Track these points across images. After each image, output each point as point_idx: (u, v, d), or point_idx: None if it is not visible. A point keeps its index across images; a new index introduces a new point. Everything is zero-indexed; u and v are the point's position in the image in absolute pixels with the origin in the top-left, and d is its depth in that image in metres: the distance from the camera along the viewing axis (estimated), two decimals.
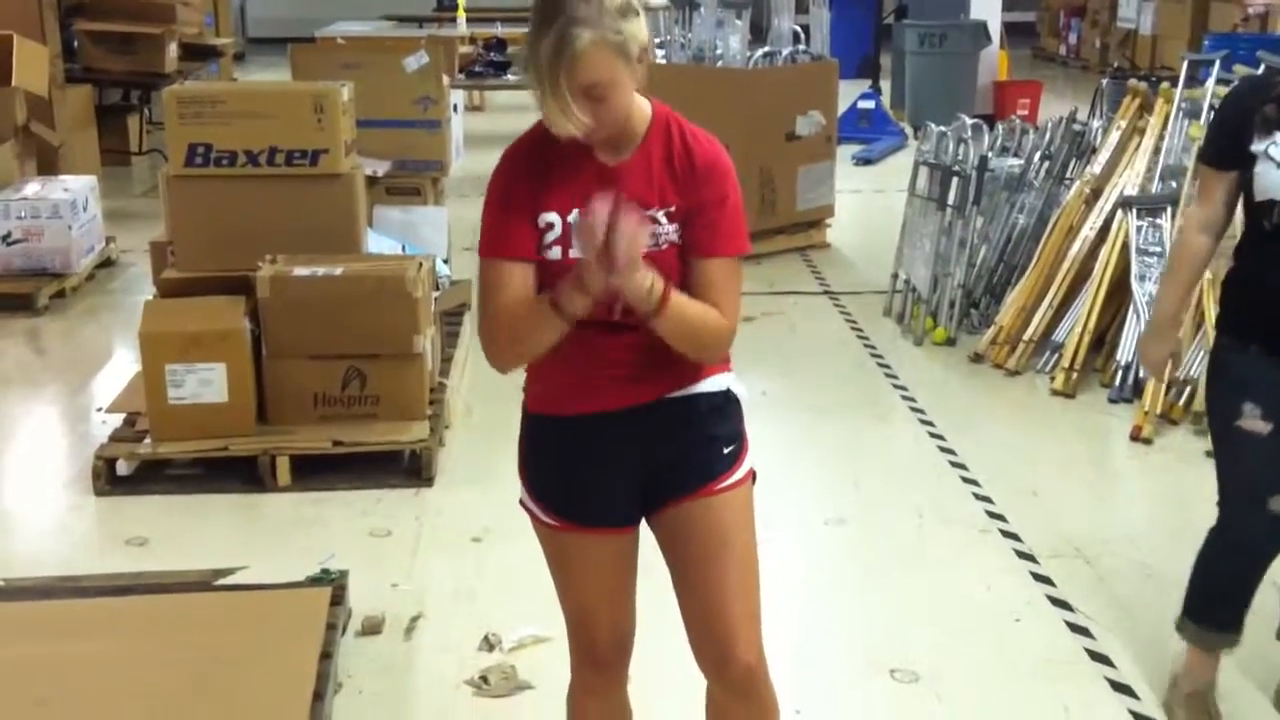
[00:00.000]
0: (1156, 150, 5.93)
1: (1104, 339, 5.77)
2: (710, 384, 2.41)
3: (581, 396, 2.35)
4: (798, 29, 8.55)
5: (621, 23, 2.15)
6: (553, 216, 2.30)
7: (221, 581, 3.86)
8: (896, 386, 5.73)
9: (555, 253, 2.30)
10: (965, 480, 4.73)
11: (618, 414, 2.36)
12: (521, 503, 2.51)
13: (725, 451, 2.42)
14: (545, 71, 2.14)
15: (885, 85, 12.82)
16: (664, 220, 2.29)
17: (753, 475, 2.49)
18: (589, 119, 2.18)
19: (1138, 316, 5.42)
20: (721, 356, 2.42)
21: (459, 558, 4.18)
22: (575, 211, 2.26)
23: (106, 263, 7.58)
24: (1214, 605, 3.26)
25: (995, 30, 11.95)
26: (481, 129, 10.53)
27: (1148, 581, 4.00)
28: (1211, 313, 4.70)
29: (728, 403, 2.45)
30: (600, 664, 2.58)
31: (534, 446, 2.48)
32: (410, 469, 4.75)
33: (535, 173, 2.30)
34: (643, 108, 2.32)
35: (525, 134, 2.36)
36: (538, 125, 2.34)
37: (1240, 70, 5.92)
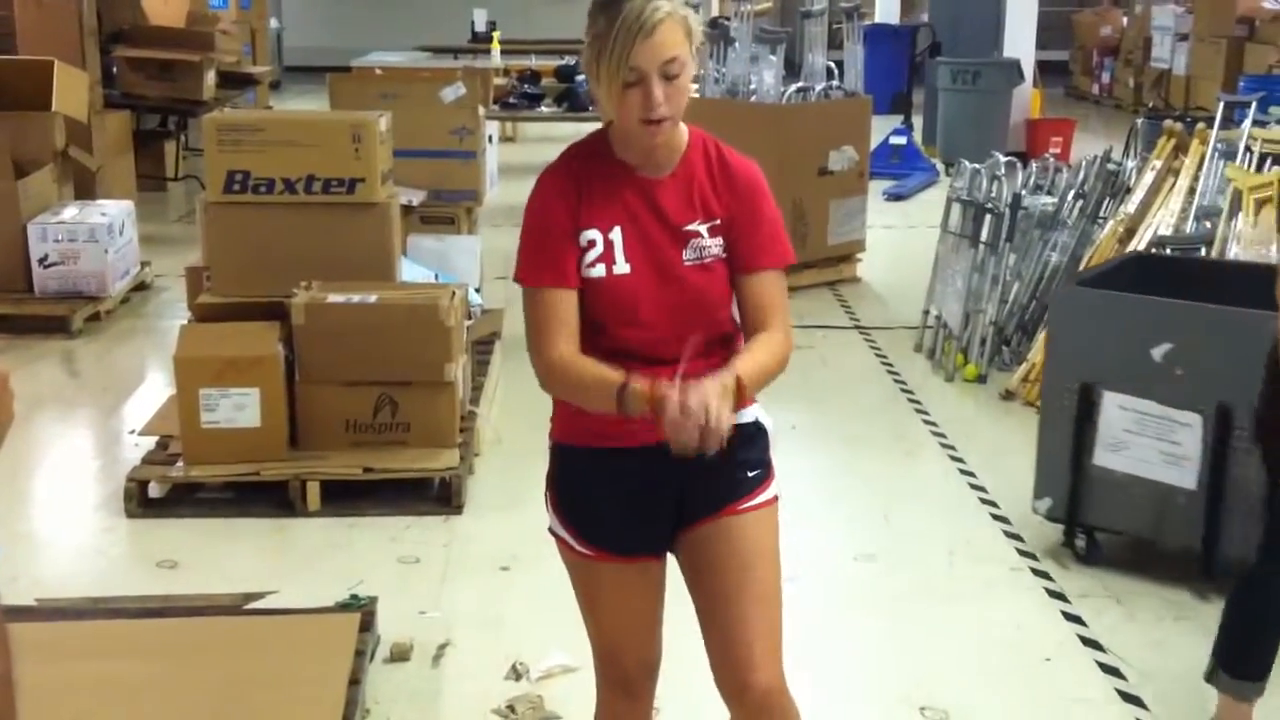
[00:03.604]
0: (1191, 191, 5.91)
1: None
2: (739, 416, 2.41)
3: (611, 433, 2.34)
4: (831, 65, 8.58)
5: (686, 8, 2.23)
6: (594, 234, 2.31)
7: (251, 605, 3.87)
8: (927, 422, 5.72)
9: (599, 270, 2.31)
10: (996, 518, 4.71)
11: (647, 449, 2.34)
12: (550, 529, 2.52)
13: (750, 475, 2.44)
14: (618, 48, 2.18)
15: (917, 121, 12.84)
16: (706, 234, 2.32)
17: (776, 499, 2.49)
18: (663, 100, 2.21)
19: None
20: None
21: (487, 586, 4.19)
22: (617, 230, 2.30)
23: (141, 287, 7.63)
24: (1249, 655, 3.22)
25: (1028, 68, 11.96)
26: (514, 160, 10.58)
27: (1179, 623, 3.97)
28: None
29: (757, 432, 2.46)
30: (628, 690, 2.59)
31: (562, 476, 2.48)
32: (440, 496, 4.76)
33: (575, 192, 2.32)
34: (681, 128, 2.35)
35: (560, 158, 2.39)
36: (572, 148, 2.38)
37: (1276, 112, 5.91)
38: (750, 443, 2.44)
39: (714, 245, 2.33)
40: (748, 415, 2.43)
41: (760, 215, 2.36)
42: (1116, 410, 4.14)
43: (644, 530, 2.44)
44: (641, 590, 2.50)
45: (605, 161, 2.34)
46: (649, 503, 2.41)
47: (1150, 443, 4.08)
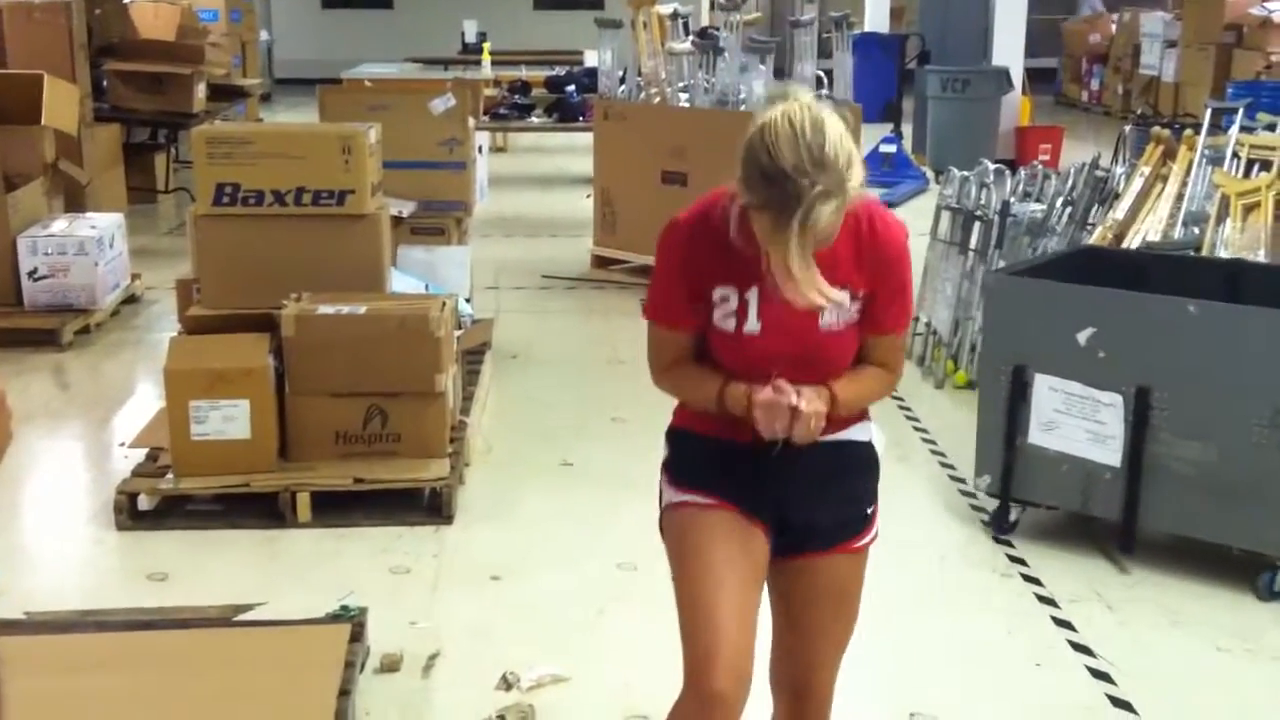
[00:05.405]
0: (1180, 197, 5.92)
1: None
2: (857, 431, 2.50)
3: (735, 430, 2.41)
4: (821, 73, 8.60)
5: (849, 180, 2.18)
6: (728, 291, 2.35)
7: (241, 617, 3.87)
8: (917, 429, 5.73)
9: (729, 325, 2.36)
10: (985, 524, 4.71)
11: (768, 446, 2.39)
12: (663, 511, 2.54)
13: (867, 512, 2.53)
14: (788, 239, 2.15)
15: (907, 129, 12.86)
16: (846, 302, 2.35)
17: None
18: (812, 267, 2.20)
19: None
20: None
21: (478, 596, 4.18)
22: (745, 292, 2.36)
23: (131, 299, 7.63)
24: None
25: (1017, 76, 12.00)
26: (505, 170, 10.60)
27: (1170, 629, 3.97)
28: None
29: (870, 455, 2.53)
30: (711, 697, 2.34)
31: (680, 454, 2.54)
32: (430, 507, 4.76)
33: (715, 249, 2.33)
34: None
35: (703, 205, 2.37)
36: (717, 200, 2.34)
37: (1264, 118, 5.92)
38: (866, 469, 2.55)
39: (851, 310, 2.37)
40: (864, 433, 2.51)
41: (901, 289, 2.42)
42: (1047, 391, 4.37)
43: (756, 501, 2.46)
44: (747, 561, 2.43)
45: (746, 222, 2.27)
46: (760, 488, 2.45)
47: (1078, 422, 4.32)
